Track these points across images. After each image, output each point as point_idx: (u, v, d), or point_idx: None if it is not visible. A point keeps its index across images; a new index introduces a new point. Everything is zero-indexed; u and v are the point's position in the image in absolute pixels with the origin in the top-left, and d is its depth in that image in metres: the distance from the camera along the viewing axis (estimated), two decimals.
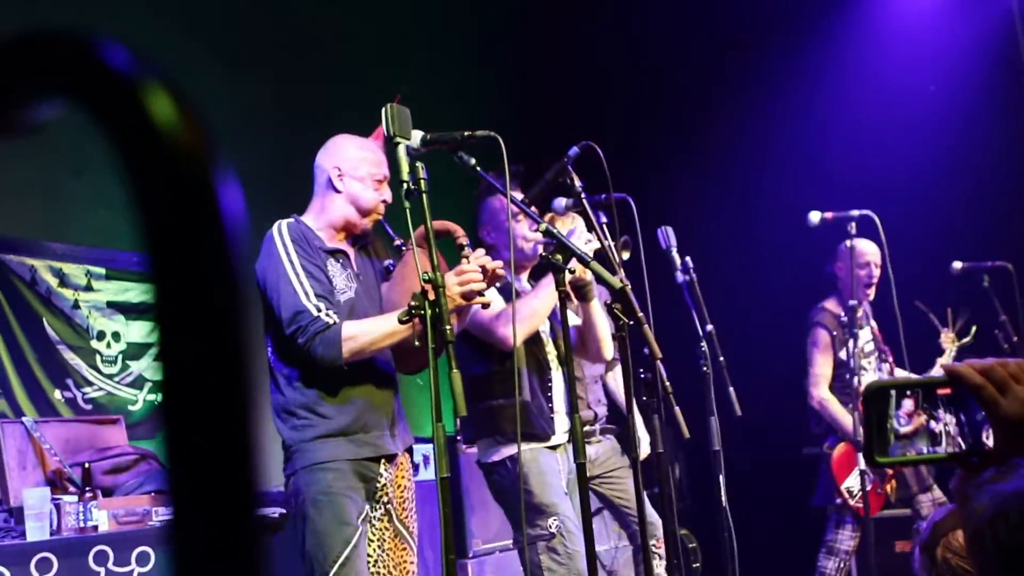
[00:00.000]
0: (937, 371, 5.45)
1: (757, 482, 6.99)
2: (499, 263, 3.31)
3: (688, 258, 4.49)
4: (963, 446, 1.23)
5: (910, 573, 5.36)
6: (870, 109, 7.12)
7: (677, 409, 3.83)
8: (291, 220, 3.45)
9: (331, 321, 3.26)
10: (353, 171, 3.47)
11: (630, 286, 3.38)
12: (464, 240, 3.48)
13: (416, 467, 5.44)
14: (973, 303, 5.83)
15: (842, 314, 5.39)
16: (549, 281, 3.75)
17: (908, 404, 1.24)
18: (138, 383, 5.48)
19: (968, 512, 1.07)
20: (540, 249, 3.89)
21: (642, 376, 3.72)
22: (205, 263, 0.51)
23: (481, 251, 3.38)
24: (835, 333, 5.43)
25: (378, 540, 3.44)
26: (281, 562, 4.19)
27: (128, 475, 4.57)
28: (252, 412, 0.51)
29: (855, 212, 5.09)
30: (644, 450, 5.32)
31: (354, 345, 3.25)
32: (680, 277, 4.49)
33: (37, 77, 0.53)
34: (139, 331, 5.53)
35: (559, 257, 3.23)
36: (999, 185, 6.81)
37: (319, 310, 3.26)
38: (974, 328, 5.66)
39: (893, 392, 1.24)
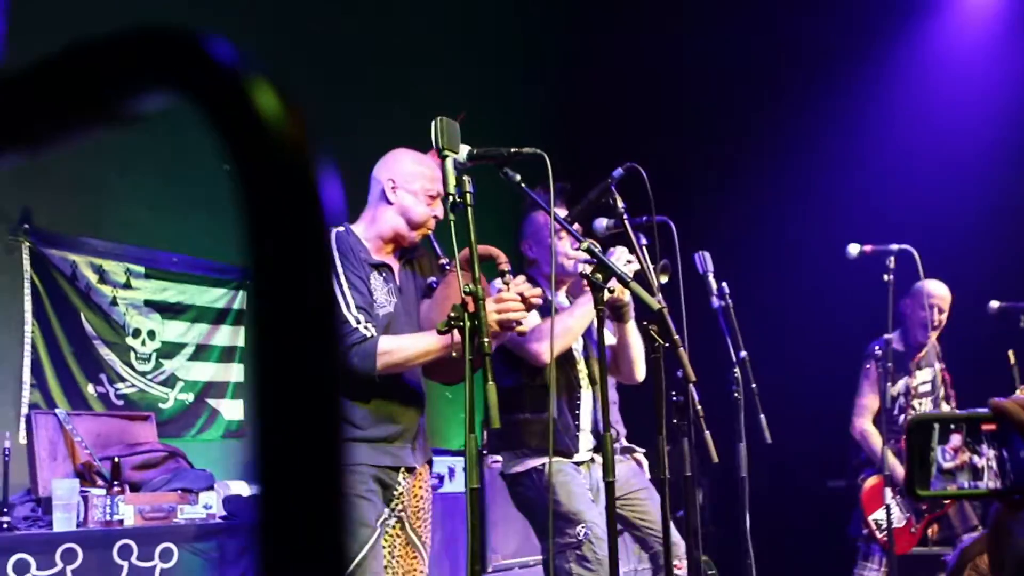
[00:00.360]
0: None
1: (782, 511, 6.96)
2: (538, 291, 3.31)
3: (724, 284, 4.48)
4: (1005, 483, 1.23)
5: None
6: (914, 144, 7.10)
7: (707, 433, 3.82)
8: (341, 229, 3.48)
9: (369, 334, 3.28)
10: (407, 184, 3.50)
11: (668, 308, 3.38)
12: (506, 266, 3.50)
13: (440, 479, 5.45)
14: (1008, 342, 5.80)
15: (901, 349, 5.38)
16: (586, 300, 3.76)
17: (956, 439, 1.23)
18: (170, 382, 5.52)
19: (1011, 548, 1.06)
20: (580, 267, 3.90)
21: (674, 399, 3.71)
22: (308, 259, 0.52)
23: (521, 278, 3.39)
24: (889, 368, 5.40)
25: (389, 547, 3.44)
26: None
27: (156, 472, 4.60)
28: (341, 406, 0.52)
29: (894, 246, 5.07)
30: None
31: (389, 360, 3.28)
32: (716, 302, 4.49)
33: (144, 70, 0.54)
34: (174, 330, 5.57)
35: (599, 276, 3.24)
36: None
37: (358, 322, 3.29)
38: None
39: (937, 425, 1.23)
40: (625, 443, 5.23)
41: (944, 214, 6.68)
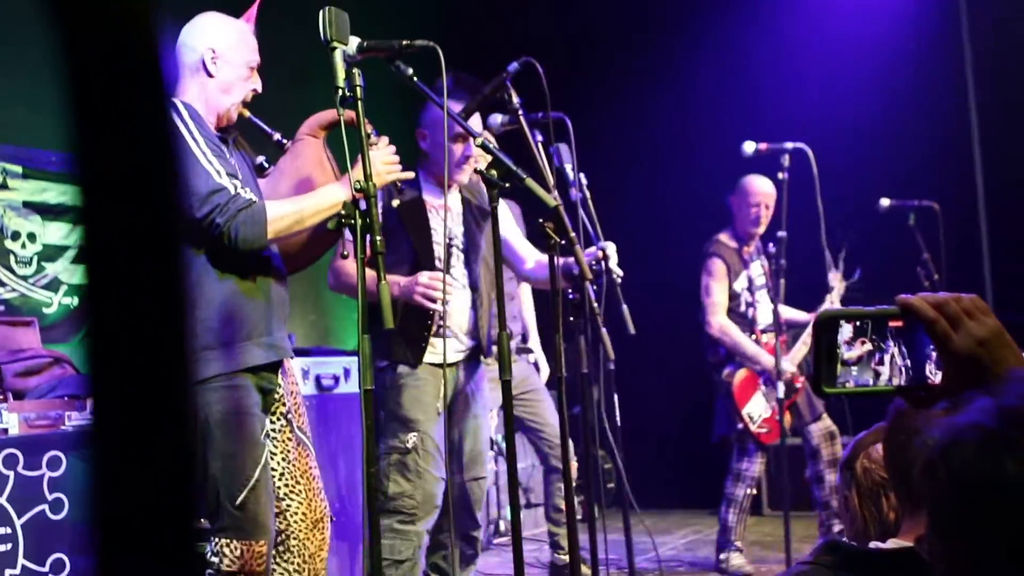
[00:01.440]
0: (827, 304, 5.53)
1: (669, 406, 7.11)
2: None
3: (582, 175, 4.37)
4: (909, 379, 1.23)
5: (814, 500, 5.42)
6: (810, 44, 7.14)
7: (604, 331, 3.82)
8: (180, 100, 3.13)
9: (252, 198, 3.04)
10: (229, 55, 3.20)
11: (562, 205, 3.35)
12: (369, 127, 3.33)
13: (336, 379, 5.40)
14: (899, 239, 5.92)
15: (734, 245, 5.47)
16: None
17: (848, 330, 1.22)
18: (53, 285, 5.35)
19: (918, 445, 1.06)
20: (465, 178, 3.84)
21: (570, 297, 3.69)
22: (143, 142, 0.45)
23: (386, 139, 3.27)
24: (729, 264, 5.49)
25: (281, 452, 3.30)
26: None
27: (41, 378, 4.48)
28: (187, 308, 0.46)
29: (789, 144, 5.10)
30: (544, 375, 5.32)
31: (280, 225, 3.05)
32: (574, 194, 4.40)
33: None
34: (56, 232, 5.38)
35: (494, 173, 3.18)
36: (931, 128, 6.89)
37: (235, 188, 3.02)
38: (858, 270, 5.72)
39: (843, 322, 1.22)
40: (522, 344, 5.21)
41: (838, 113, 6.75)
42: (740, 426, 5.42)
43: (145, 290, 0.45)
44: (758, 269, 5.57)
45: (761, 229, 5.49)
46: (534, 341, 5.49)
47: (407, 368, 3.79)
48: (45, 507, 3.82)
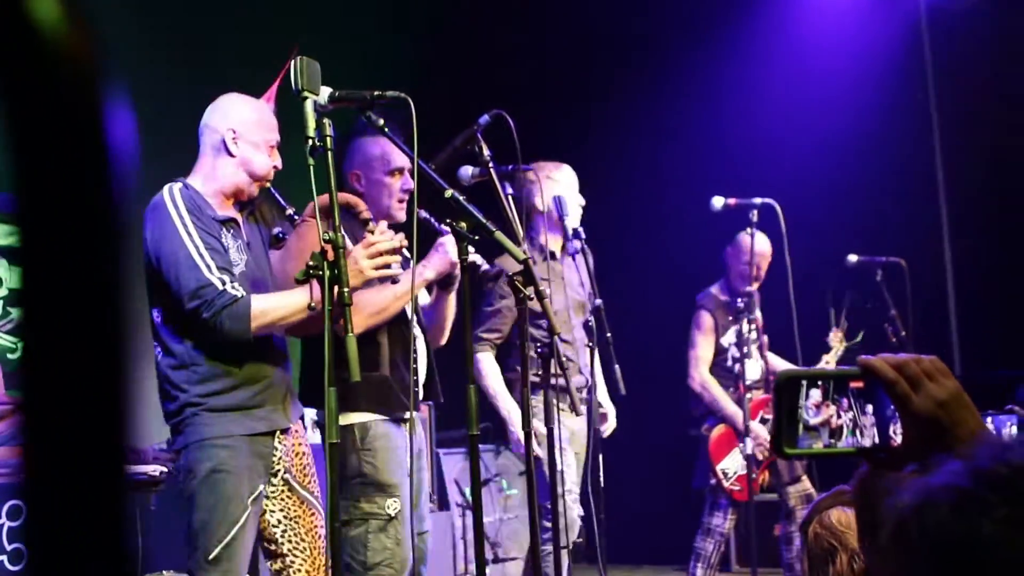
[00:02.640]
0: (824, 364, 5.53)
1: (638, 462, 7.08)
2: (401, 237, 3.23)
3: (580, 227, 4.37)
4: (871, 441, 1.23)
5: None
6: (779, 101, 7.21)
7: (572, 384, 3.80)
8: (180, 185, 3.26)
9: (238, 294, 3.14)
10: (249, 135, 3.32)
11: (532, 259, 3.34)
12: (367, 214, 3.39)
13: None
14: (865, 296, 5.95)
15: (725, 299, 5.47)
16: (404, 284, 3.45)
17: (816, 395, 1.22)
18: (18, 331, 5.29)
19: (887, 508, 1.05)
20: (403, 215, 3.67)
21: (539, 351, 3.67)
22: (82, 194, 0.44)
23: (384, 224, 3.29)
24: (718, 318, 5.49)
25: (281, 510, 3.36)
26: (162, 523, 4.09)
27: (2, 426, 4.42)
28: (125, 364, 0.45)
29: (757, 200, 5.14)
30: (611, 424, 5.01)
31: (264, 320, 3.17)
32: (571, 247, 4.39)
33: None
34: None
35: (463, 225, 3.17)
36: (898, 184, 6.96)
37: (224, 283, 3.13)
38: (861, 332, 5.74)
39: (804, 382, 1.22)
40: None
41: (807, 169, 6.81)
42: (713, 481, 5.41)
43: (84, 335, 0.44)
44: (748, 325, 5.55)
45: (752, 287, 5.47)
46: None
47: (378, 428, 3.57)
48: (4, 558, 3.76)
